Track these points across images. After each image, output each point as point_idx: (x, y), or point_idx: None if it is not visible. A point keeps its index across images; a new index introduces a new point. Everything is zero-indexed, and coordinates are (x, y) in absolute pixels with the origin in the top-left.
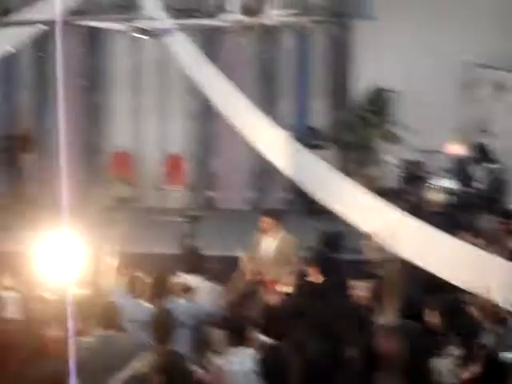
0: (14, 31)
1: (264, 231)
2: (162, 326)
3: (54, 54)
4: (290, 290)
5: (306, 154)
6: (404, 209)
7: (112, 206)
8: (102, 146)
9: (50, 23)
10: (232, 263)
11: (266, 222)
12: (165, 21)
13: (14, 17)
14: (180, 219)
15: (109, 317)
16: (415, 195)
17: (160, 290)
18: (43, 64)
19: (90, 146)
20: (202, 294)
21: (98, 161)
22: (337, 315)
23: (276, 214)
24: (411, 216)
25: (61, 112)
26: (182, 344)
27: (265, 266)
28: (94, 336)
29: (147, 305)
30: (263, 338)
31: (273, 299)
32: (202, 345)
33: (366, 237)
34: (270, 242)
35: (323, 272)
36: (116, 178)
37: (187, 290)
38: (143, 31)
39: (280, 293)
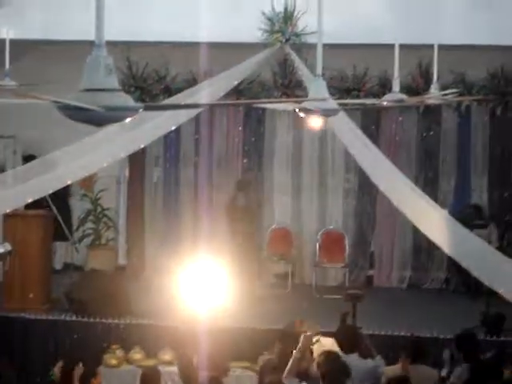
0: (175, 112)
1: None
2: None
3: (216, 132)
4: None
5: (467, 232)
6: None
7: (272, 283)
8: (263, 223)
9: (214, 105)
10: (388, 342)
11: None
12: (329, 100)
13: (176, 99)
14: (340, 297)
15: None
16: None
17: None
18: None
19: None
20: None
21: (259, 237)
22: None
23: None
24: None
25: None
26: None
27: None
28: None
29: None
30: None
31: None
32: None
33: None
34: None
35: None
36: (276, 254)
37: None
38: (308, 111)
39: None
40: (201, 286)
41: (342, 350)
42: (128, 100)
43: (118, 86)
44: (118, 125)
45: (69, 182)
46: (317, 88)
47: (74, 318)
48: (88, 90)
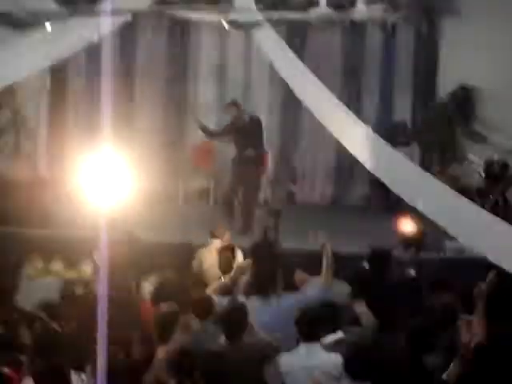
0: (99, 20)
1: None
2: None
3: (139, 43)
4: None
5: (390, 150)
6: (486, 209)
7: (194, 197)
8: (185, 137)
9: (137, 12)
10: (308, 257)
11: None
12: (255, 13)
13: (100, 6)
14: (262, 212)
15: None
16: (498, 195)
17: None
18: (128, 53)
19: (173, 136)
20: None
21: (180, 152)
22: None
23: None
24: (495, 216)
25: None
26: None
27: None
28: None
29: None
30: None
31: None
32: None
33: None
34: None
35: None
36: (199, 169)
37: None
38: (233, 23)
39: None
40: (123, 195)
41: (257, 262)
42: (50, 4)
43: None
44: (41, 34)
45: None
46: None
47: None
48: None
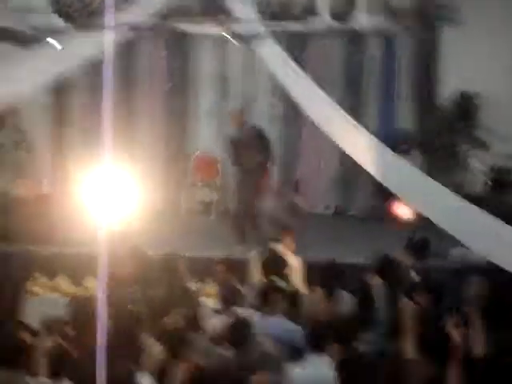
0: (100, 35)
1: None
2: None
3: (139, 57)
4: None
5: (394, 157)
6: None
7: (196, 210)
8: (186, 149)
9: (138, 26)
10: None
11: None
12: (256, 25)
13: (100, 20)
14: (267, 223)
15: None
16: (502, 202)
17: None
18: (129, 68)
19: (175, 149)
20: None
21: (182, 164)
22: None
23: None
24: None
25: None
26: None
27: None
28: None
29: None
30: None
31: None
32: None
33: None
34: None
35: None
36: (200, 181)
37: None
38: (235, 35)
39: None
40: (126, 210)
41: (264, 274)
42: (55, 20)
43: (47, 6)
44: (43, 50)
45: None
46: (245, 11)
47: None
48: (16, 10)
